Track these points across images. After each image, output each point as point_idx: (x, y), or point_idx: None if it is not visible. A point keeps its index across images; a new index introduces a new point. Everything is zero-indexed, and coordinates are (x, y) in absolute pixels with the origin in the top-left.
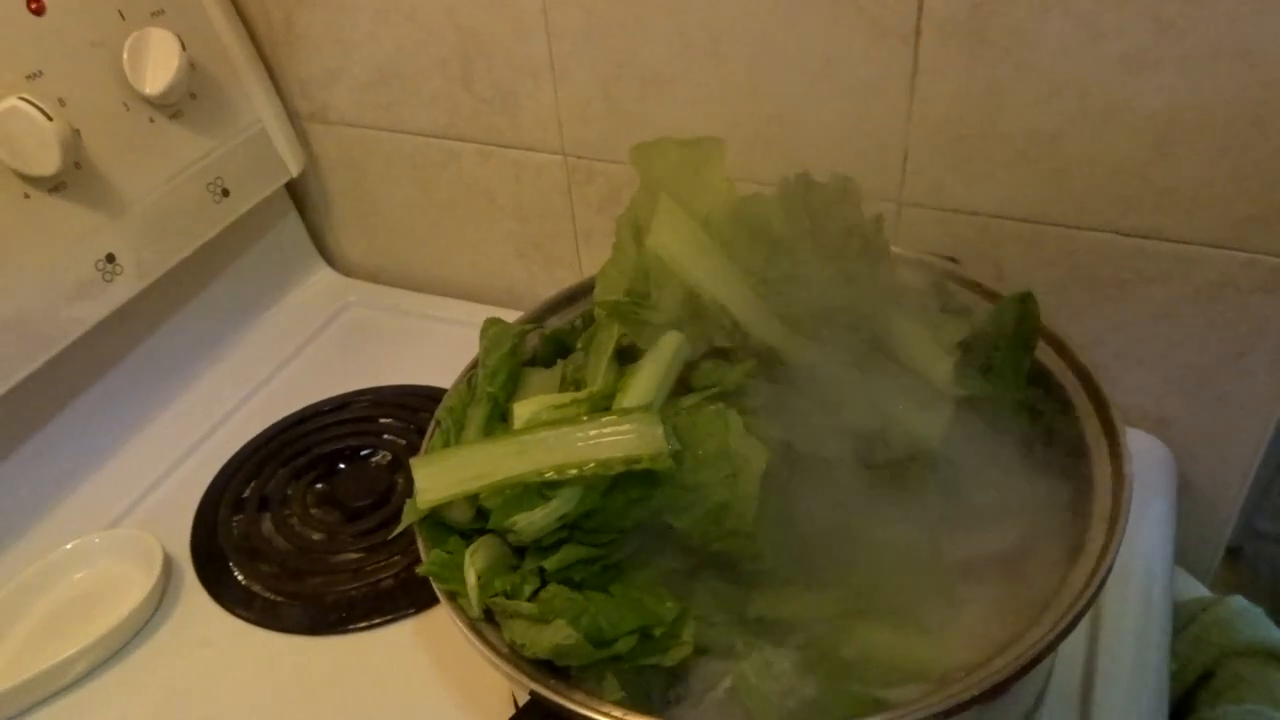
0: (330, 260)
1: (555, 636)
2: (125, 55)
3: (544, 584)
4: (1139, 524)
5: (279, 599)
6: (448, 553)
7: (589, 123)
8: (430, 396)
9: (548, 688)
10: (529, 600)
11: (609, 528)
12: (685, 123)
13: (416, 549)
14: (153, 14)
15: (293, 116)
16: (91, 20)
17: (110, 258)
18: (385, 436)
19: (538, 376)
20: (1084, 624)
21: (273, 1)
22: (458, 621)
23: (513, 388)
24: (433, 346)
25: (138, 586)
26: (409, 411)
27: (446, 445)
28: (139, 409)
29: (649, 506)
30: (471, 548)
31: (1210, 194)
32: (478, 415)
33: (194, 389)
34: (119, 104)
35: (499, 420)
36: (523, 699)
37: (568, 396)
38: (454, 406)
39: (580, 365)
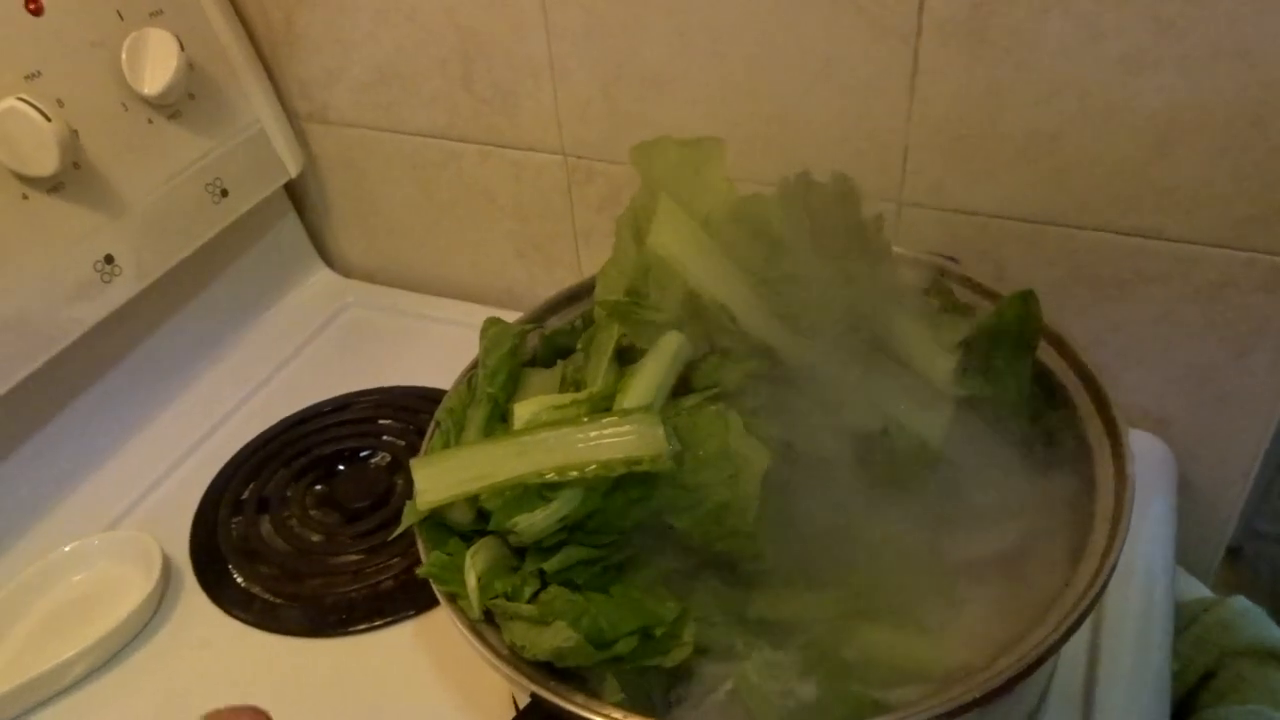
0: (329, 261)
1: (556, 638)
2: (124, 55)
3: (544, 585)
4: (1140, 524)
5: (278, 601)
6: (448, 554)
7: (589, 123)
8: (430, 397)
9: (548, 690)
10: (529, 602)
11: (610, 529)
12: (685, 123)
13: (416, 550)
14: (151, 14)
15: (292, 117)
16: (90, 20)
17: (109, 258)
18: (385, 437)
19: (538, 377)
20: (1086, 624)
21: (272, 1)
22: (458, 623)
23: (513, 388)
24: (432, 347)
25: (137, 588)
26: (408, 412)
27: (446, 446)
28: (137, 410)
29: (650, 507)
30: (472, 549)
31: (1210, 194)
32: (478, 416)
33: (193, 390)
34: (117, 104)
35: (499, 421)
36: (523, 701)
37: (568, 397)
38: (454, 407)
39: (580, 366)
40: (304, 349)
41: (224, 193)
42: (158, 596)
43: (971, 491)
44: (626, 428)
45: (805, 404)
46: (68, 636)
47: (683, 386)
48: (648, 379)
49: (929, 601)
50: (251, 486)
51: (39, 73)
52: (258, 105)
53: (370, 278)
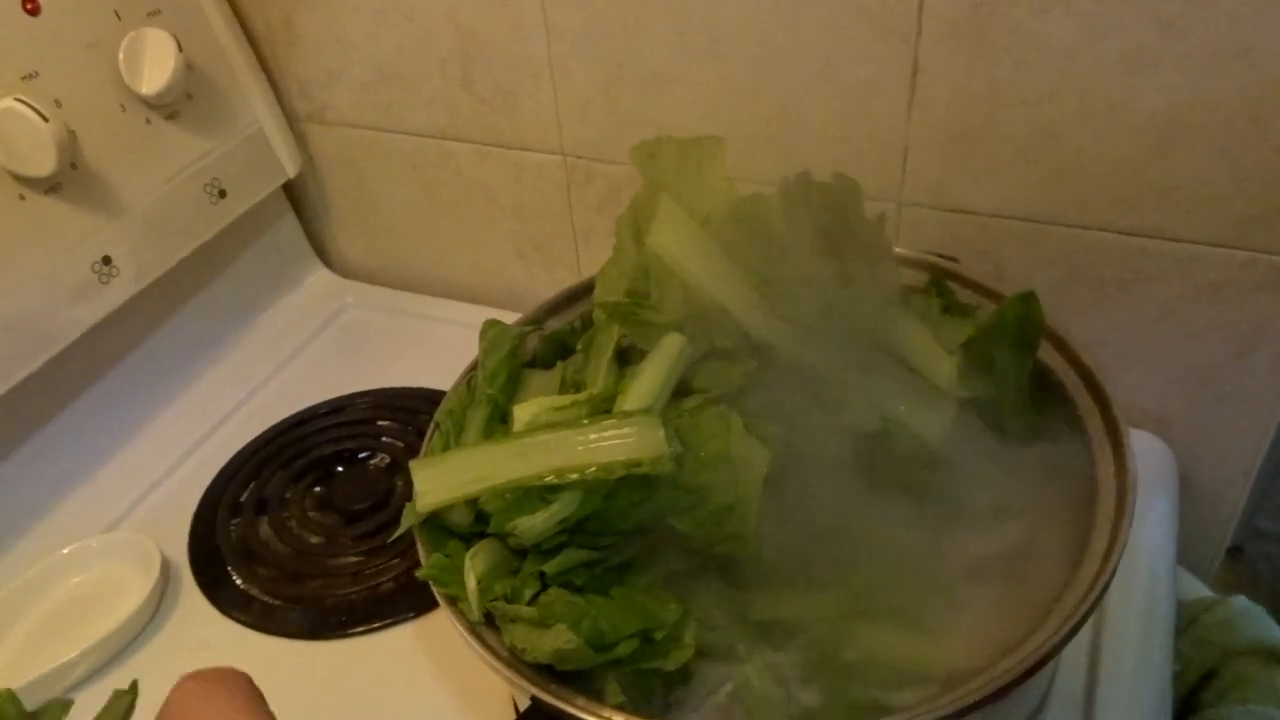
0: (328, 261)
1: (556, 641)
2: (121, 56)
3: (544, 587)
4: (1141, 524)
5: (277, 603)
6: (447, 556)
7: (589, 123)
8: (429, 398)
9: (549, 692)
10: (529, 604)
11: (610, 531)
12: (685, 123)
13: (416, 552)
14: (149, 14)
15: (291, 117)
16: (87, 20)
17: (107, 259)
18: (384, 439)
19: (537, 378)
20: (1087, 624)
21: (271, 1)
22: (458, 626)
23: (512, 390)
24: (432, 348)
25: (136, 590)
26: (408, 414)
27: (446, 448)
28: (136, 411)
29: (650, 509)
30: (471, 551)
31: (1211, 193)
32: (477, 417)
33: (191, 391)
34: (115, 105)
35: (499, 422)
36: (524, 703)
37: (568, 399)
38: (453, 409)
39: (580, 367)
40: (303, 350)
41: (222, 193)
42: (157, 598)
43: (972, 492)
44: (627, 429)
45: (806, 404)
46: (67, 638)
47: (683, 387)
48: (648, 380)
49: (930, 602)
50: (251, 488)
51: (36, 73)
52: (256, 105)
53: (369, 278)
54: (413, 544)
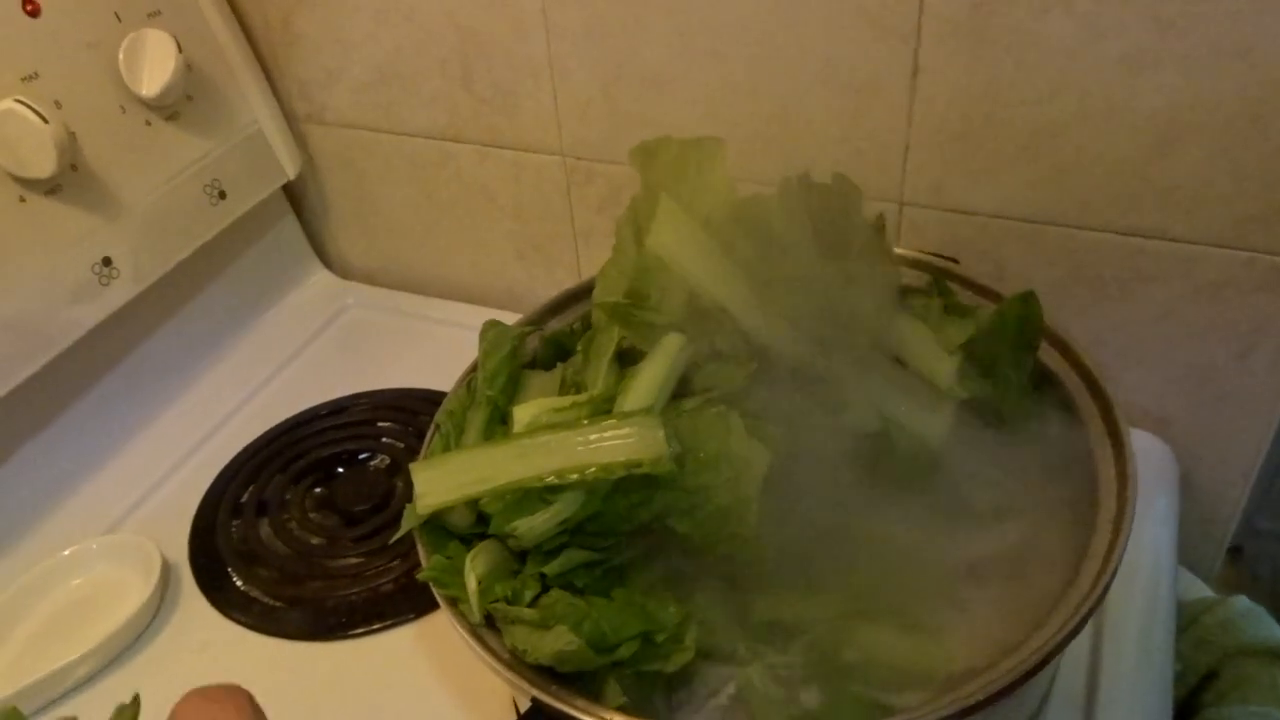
0: (328, 262)
1: (557, 642)
2: (121, 57)
3: (545, 589)
4: (1141, 524)
5: (278, 604)
6: (448, 558)
7: (589, 123)
8: (429, 399)
9: (549, 694)
10: (530, 605)
11: (610, 532)
12: (685, 123)
13: (416, 553)
14: (149, 15)
15: (290, 118)
16: (87, 21)
17: (107, 261)
18: (384, 440)
19: (537, 379)
20: (1088, 624)
21: (271, 2)
22: (458, 627)
23: (512, 391)
24: (432, 349)
25: (136, 592)
26: (408, 415)
27: (446, 449)
28: (136, 413)
29: (651, 510)
30: (472, 553)
31: (1211, 193)
32: (477, 419)
33: (192, 392)
34: (115, 106)
35: (499, 424)
36: (524, 705)
37: (568, 400)
38: (453, 410)
39: (580, 368)
40: (303, 351)
41: (222, 194)
42: (157, 600)
43: (973, 492)
44: (627, 430)
45: (806, 405)
46: (68, 640)
47: (683, 388)
48: (648, 381)
49: (931, 603)
50: (251, 489)
51: (36, 74)
52: (256, 106)
53: (369, 279)
54: (413, 545)
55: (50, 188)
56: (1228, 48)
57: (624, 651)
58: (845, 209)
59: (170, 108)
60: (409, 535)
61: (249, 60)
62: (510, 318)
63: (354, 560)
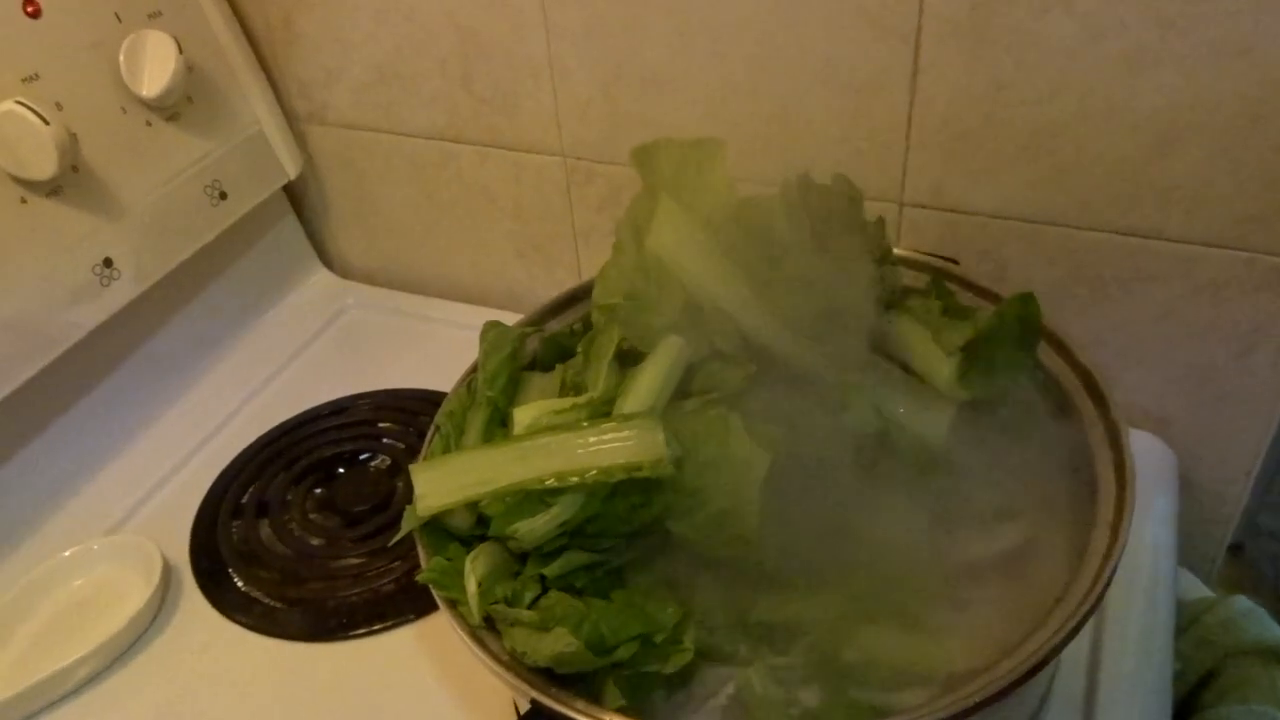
0: (329, 262)
1: (556, 644)
2: (122, 58)
3: (545, 590)
4: (1141, 524)
5: (278, 605)
6: (448, 559)
7: (589, 123)
8: (429, 400)
9: (549, 696)
10: (530, 607)
11: (610, 534)
12: (685, 123)
13: (417, 553)
14: (150, 16)
15: (291, 118)
16: (88, 23)
17: (108, 262)
18: (384, 440)
19: (538, 380)
20: (1088, 625)
21: (271, 2)
22: (458, 629)
23: (512, 392)
24: (432, 349)
25: (137, 593)
26: (408, 415)
27: (446, 451)
28: (137, 414)
29: (650, 512)
30: (472, 555)
31: (1211, 193)
32: (477, 420)
33: (192, 393)
34: (116, 107)
35: (499, 425)
36: (524, 706)
37: (568, 402)
38: (453, 411)
39: (580, 369)
40: (303, 351)
41: (223, 195)
42: (158, 601)
43: (973, 493)
44: (626, 433)
45: (807, 407)
46: (69, 641)
47: (682, 390)
48: (648, 383)
49: (931, 603)
50: (251, 490)
51: (37, 75)
52: (256, 106)
53: (370, 279)
54: (414, 545)
55: (51, 189)
56: (1228, 47)
57: (623, 653)
58: (846, 210)
59: (171, 108)
60: (409, 536)
61: (249, 61)
62: (510, 318)
63: (354, 561)
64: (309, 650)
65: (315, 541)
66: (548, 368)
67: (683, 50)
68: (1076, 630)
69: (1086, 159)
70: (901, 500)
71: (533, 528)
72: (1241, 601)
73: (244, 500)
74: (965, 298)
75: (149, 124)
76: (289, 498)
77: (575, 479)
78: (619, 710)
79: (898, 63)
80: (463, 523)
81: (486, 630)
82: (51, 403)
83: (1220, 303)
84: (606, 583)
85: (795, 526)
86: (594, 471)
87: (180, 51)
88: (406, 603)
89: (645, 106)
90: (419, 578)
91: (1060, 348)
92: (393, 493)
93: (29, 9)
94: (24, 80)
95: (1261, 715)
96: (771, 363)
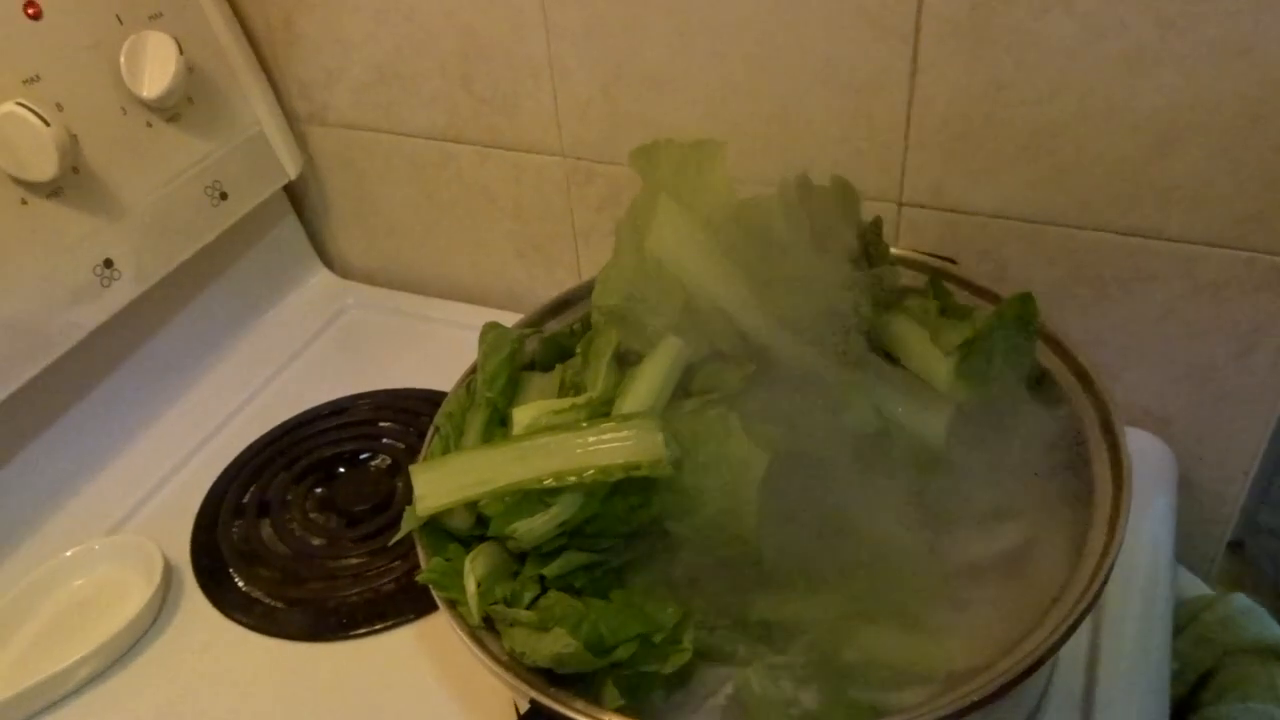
0: (329, 262)
1: (555, 645)
2: (122, 59)
3: (544, 591)
4: (1140, 522)
5: (279, 605)
6: (447, 560)
7: (589, 123)
8: (430, 400)
9: (548, 696)
10: (529, 607)
11: (609, 534)
12: (685, 123)
13: (417, 553)
14: (150, 17)
15: (291, 118)
16: (89, 24)
17: (108, 262)
18: (384, 440)
19: (537, 381)
20: (1086, 623)
21: (271, 3)
22: (458, 630)
23: (512, 393)
24: (432, 349)
25: (138, 593)
26: (408, 415)
27: (446, 451)
28: (138, 414)
29: (650, 512)
30: (471, 555)
31: (1211, 192)
32: (477, 421)
33: (193, 393)
34: (116, 108)
35: (498, 425)
36: (524, 706)
37: (567, 402)
38: (453, 411)
39: (579, 369)
40: (304, 351)
41: (223, 195)
42: (159, 601)
43: (971, 492)
44: (625, 433)
45: (806, 407)
46: (70, 641)
47: (682, 390)
48: (647, 383)
49: (930, 602)
50: (252, 490)
51: (37, 77)
52: (257, 107)
53: (370, 279)
54: (414, 545)
55: (51, 190)
56: (1228, 47)
57: (622, 653)
58: (845, 210)
59: (171, 109)
60: (409, 536)
61: (250, 61)
62: (510, 318)
63: (355, 561)
64: (309, 650)
65: (316, 541)
66: (547, 368)
67: (683, 50)
68: (1074, 629)
69: (1086, 159)
70: (900, 499)
71: (532, 528)
72: (1241, 599)
73: (245, 500)
74: (964, 297)
75: (149, 125)
76: (289, 497)
77: (574, 479)
78: (618, 710)
79: (897, 62)
80: (462, 523)
81: (486, 630)
82: (52, 403)
83: (1220, 302)
84: (605, 583)
85: (794, 526)
86: (593, 471)
87: (181, 52)
88: (406, 603)
89: (645, 106)
90: (419, 578)
91: (1058, 347)
92: (393, 493)
93: (29, 10)
94: (25, 81)
95: (1261, 713)
96: (771, 363)
